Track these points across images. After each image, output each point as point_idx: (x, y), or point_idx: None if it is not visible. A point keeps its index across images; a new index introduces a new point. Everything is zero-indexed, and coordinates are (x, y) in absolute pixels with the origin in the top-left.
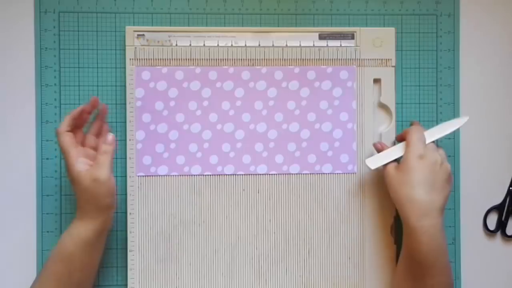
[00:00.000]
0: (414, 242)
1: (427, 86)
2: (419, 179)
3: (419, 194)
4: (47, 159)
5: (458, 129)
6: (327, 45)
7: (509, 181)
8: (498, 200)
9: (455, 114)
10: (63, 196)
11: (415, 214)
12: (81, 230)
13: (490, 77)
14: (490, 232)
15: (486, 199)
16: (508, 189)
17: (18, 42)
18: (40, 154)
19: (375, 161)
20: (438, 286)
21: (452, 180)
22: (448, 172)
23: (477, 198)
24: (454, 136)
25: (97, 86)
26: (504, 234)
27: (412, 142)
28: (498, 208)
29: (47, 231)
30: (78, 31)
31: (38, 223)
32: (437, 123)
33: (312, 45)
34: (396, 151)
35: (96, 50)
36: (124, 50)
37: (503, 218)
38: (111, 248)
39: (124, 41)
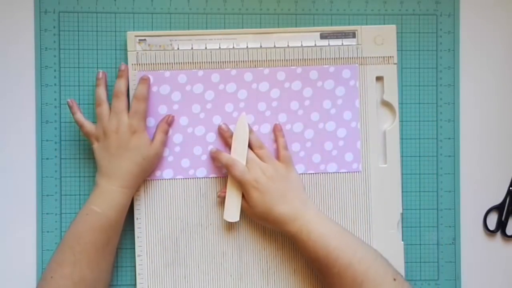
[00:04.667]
0: (301, 244)
1: (427, 86)
2: (268, 205)
3: (279, 212)
4: (47, 159)
5: (459, 129)
6: (328, 44)
7: (509, 181)
8: (498, 200)
9: (455, 114)
10: (63, 196)
11: (286, 225)
12: (125, 199)
13: (490, 77)
14: (490, 232)
15: (486, 199)
16: (508, 189)
17: (18, 42)
18: (40, 154)
19: (232, 214)
20: (340, 271)
21: (288, 158)
22: (283, 162)
23: (477, 198)
24: (454, 136)
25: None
26: (504, 234)
27: (239, 180)
28: (498, 208)
29: (47, 231)
30: (78, 31)
31: (38, 223)
32: (437, 123)
33: (313, 44)
34: (236, 191)
35: (96, 50)
36: (124, 50)
37: (503, 218)
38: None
39: (124, 41)
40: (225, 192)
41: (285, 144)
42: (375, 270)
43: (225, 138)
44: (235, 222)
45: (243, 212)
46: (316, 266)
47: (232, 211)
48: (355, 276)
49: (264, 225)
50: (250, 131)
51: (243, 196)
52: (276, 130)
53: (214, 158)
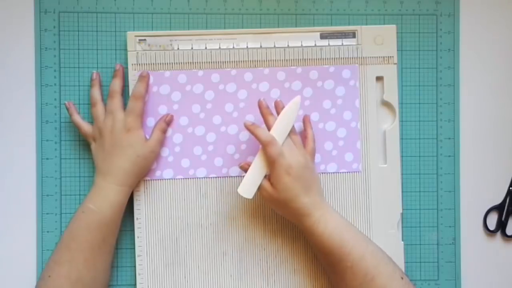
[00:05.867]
0: (316, 236)
1: (427, 86)
2: (296, 192)
3: (302, 202)
4: (47, 159)
5: (459, 129)
6: (328, 44)
7: (509, 181)
8: (498, 200)
9: (455, 114)
10: (63, 196)
11: (306, 216)
12: (122, 197)
13: (490, 77)
14: (490, 232)
15: (486, 199)
16: (508, 189)
17: (18, 42)
18: (40, 154)
19: (248, 190)
20: (353, 264)
21: (314, 151)
22: (309, 154)
23: (477, 198)
24: (454, 136)
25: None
26: (504, 234)
27: (273, 160)
28: (498, 208)
29: (47, 231)
30: (78, 31)
31: (38, 223)
32: (437, 123)
33: (313, 44)
34: (261, 168)
35: (96, 50)
36: (124, 50)
37: (503, 218)
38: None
39: (124, 41)
40: (248, 165)
41: (314, 137)
42: (385, 266)
43: (265, 115)
44: (235, 222)
45: (258, 192)
46: (329, 260)
47: (250, 187)
48: (367, 270)
49: (280, 212)
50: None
51: (265, 176)
52: (306, 121)
53: (250, 131)
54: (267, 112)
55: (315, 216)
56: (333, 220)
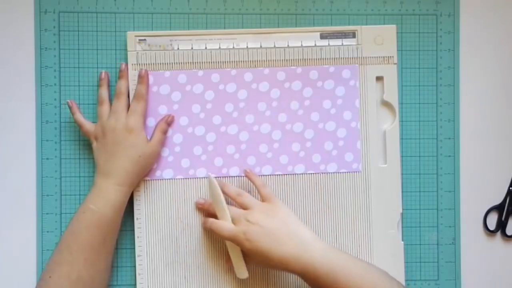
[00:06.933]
0: (310, 281)
1: (427, 86)
2: (265, 251)
3: (277, 256)
4: (47, 159)
5: (459, 129)
6: (328, 44)
7: (509, 181)
8: (498, 200)
9: (455, 114)
10: (63, 196)
11: (291, 267)
12: (122, 197)
13: (490, 77)
14: (490, 232)
15: (486, 199)
16: (508, 189)
17: (18, 42)
18: (40, 154)
19: (241, 272)
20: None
21: (270, 195)
22: (267, 200)
23: (477, 198)
24: (454, 136)
25: (97, 86)
26: (504, 234)
27: (231, 240)
28: (498, 208)
29: (47, 231)
30: (78, 31)
31: (38, 223)
32: (437, 123)
33: (313, 44)
34: (236, 251)
35: (96, 50)
36: (124, 50)
37: (503, 218)
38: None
39: (124, 41)
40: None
41: (262, 182)
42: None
43: (207, 210)
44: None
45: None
46: None
47: (240, 268)
48: None
49: (272, 269)
50: (223, 185)
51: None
52: (246, 174)
53: (204, 228)
54: (207, 207)
55: (299, 266)
56: (322, 265)
